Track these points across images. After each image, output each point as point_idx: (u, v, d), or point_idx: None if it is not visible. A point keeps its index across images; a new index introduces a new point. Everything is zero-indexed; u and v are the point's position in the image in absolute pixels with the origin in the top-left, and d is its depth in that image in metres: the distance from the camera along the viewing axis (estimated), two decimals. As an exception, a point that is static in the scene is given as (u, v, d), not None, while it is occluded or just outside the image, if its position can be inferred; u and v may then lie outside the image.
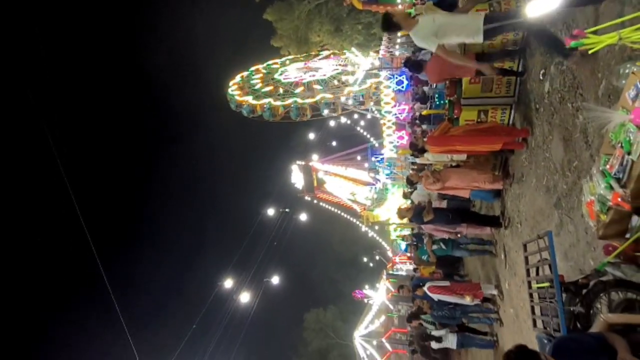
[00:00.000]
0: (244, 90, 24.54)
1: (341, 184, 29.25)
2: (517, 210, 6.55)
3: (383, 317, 26.12)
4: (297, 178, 30.91)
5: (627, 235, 3.21)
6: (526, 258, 4.05)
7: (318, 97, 21.45)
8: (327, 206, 33.11)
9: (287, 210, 31.66)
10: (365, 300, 30.18)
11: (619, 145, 2.91)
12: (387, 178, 25.56)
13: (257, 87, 24.54)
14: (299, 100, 21.89)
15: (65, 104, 41.80)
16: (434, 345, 6.76)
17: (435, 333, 6.74)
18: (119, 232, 45.07)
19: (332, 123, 33.99)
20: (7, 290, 37.16)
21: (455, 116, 6.85)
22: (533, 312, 3.90)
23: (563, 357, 2.54)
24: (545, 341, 3.43)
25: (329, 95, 21.48)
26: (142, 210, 49.15)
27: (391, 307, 24.40)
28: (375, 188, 27.42)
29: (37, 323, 39.19)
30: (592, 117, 3.27)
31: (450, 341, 6.60)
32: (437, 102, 9.84)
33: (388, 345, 21.48)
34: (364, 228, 34.58)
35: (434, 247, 7.86)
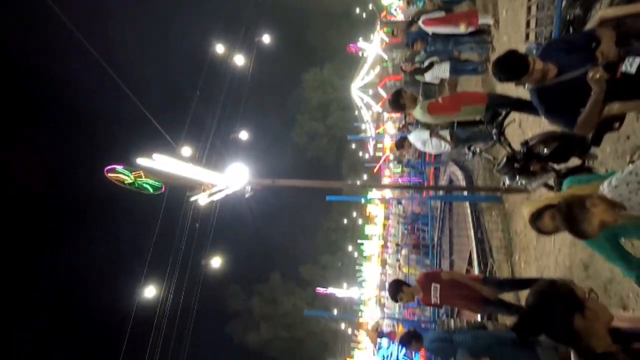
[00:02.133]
0: None
1: None
2: None
3: (378, 68, 26.62)
4: None
5: None
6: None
7: None
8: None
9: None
10: (360, 54, 30.03)
11: None
12: None
13: None
14: None
15: None
16: (427, 77, 6.87)
17: (427, 61, 6.78)
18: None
19: None
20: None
21: None
22: (527, 26, 3.84)
23: (549, 56, 2.60)
24: (534, 51, 3.50)
25: None
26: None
27: (385, 56, 24.50)
28: None
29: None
30: None
31: (443, 69, 6.68)
32: None
33: (383, 92, 22.66)
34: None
35: None
